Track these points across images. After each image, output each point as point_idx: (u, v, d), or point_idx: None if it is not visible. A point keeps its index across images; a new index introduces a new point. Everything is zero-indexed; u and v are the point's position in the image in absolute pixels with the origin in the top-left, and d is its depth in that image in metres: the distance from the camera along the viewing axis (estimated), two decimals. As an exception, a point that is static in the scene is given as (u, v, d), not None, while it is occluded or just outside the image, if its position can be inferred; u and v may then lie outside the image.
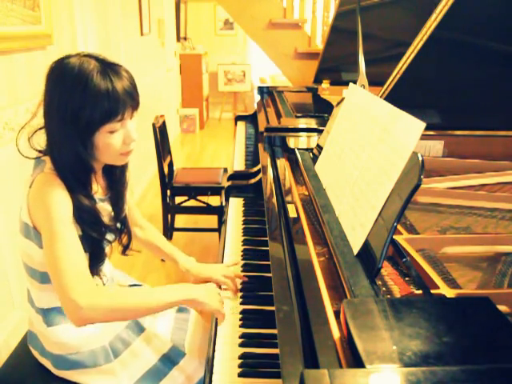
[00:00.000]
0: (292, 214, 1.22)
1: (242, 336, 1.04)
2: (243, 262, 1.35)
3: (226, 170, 3.10)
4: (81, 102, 0.96)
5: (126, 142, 1.04)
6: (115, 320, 1.08)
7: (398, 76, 1.41)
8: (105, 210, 1.14)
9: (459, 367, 0.59)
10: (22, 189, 1.08)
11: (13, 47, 1.96)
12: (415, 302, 0.74)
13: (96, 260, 1.12)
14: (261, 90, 2.98)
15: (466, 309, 0.72)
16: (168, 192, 2.90)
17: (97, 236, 1.08)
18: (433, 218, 1.21)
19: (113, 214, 1.17)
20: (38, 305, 1.15)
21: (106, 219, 1.12)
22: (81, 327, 0.95)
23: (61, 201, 0.99)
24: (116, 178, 1.18)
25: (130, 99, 1.01)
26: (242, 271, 1.31)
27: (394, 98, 1.11)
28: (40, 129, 1.07)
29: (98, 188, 1.14)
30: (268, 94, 2.93)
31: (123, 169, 1.19)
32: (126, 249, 1.24)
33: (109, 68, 0.99)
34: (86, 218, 1.05)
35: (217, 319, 1.10)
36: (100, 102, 0.96)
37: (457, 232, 1.14)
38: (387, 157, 0.93)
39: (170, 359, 1.19)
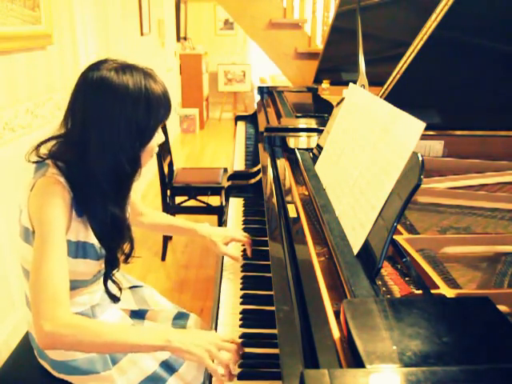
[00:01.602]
0: (292, 214, 1.22)
1: (242, 336, 1.04)
2: (243, 261, 1.35)
3: (225, 170, 3.10)
4: (146, 116, 1.00)
5: (158, 143, 1.09)
6: (85, 351, 1.04)
7: (398, 76, 1.41)
8: None
9: (459, 367, 0.59)
10: (22, 190, 1.07)
11: (13, 47, 1.96)
12: (415, 301, 0.74)
13: (110, 268, 1.14)
14: (261, 90, 2.98)
15: (466, 309, 0.72)
16: (168, 192, 2.90)
17: (115, 245, 1.10)
18: (433, 218, 1.21)
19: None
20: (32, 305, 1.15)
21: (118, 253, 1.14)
22: (47, 347, 0.93)
23: (60, 208, 0.98)
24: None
25: (170, 100, 1.07)
26: (242, 271, 1.31)
27: (393, 98, 1.11)
28: (55, 138, 1.05)
29: None
30: (268, 93, 2.93)
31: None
32: (128, 257, 1.22)
33: (149, 72, 1.04)
34: (110, 226, 1.05)
35: (217, 319, 1.10)
36: (161, 108, 1.02)
37: (457, 232, 1.14)
38: (387, 157, 0.93)
39: (170, 366, 1.18)
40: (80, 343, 0.91)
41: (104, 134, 0.98)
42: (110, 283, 1.19)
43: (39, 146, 1.06)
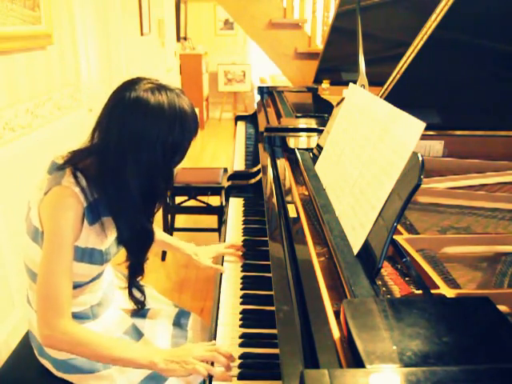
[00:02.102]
0: (292, 214, 1.22)
1: (242, 336, 1.04)
2: (243, 262, 1.35)
3: (225, 170, 3.10)
4: (180, 135, 1.03)
5: None
6: (76, 356, 1.11)
7: (398, 76, 1.41)
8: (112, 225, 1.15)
9: (459, 367, 0.59)
10: (33, 188, 1.08)
11: (13, 47, 1.96)
12: (415, 301, 0.74)
13: (134, 275, 1.20)
14: (261, 90, 2.98)
15: (466, 309, 0.72)
16: (168, 192, 2.90)
17: (142, 255, 1.14)
18: (433, 218, 1.21)
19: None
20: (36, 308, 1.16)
21: (112, 237, 1.14)
22: (47, 347, 1.05)
23: (71, 221, 1.01)
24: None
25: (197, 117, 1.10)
26: (242, 271, 1.31)
27: (393, 98, 1.11)
28: (81, 151, 1.08)
29: None
30: (268, 94, 2.93)
31: None
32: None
33: (180, 92, 1.06)
34: (142, 240, 1.11)
35: (217, 319, 1.10)
36: (192, 127, 1.06)
37: (457, 232, 1.14)
38: (387, 157, 0.93)
39: None
40: (72, 351, 1.03)
41: (140, 154, 1.01)
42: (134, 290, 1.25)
43: (67, 162, 1.07)
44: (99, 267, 1.14)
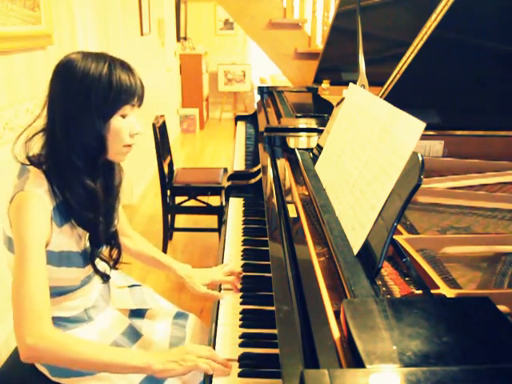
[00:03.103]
0: (292, 214, 1.22)
1: (242, 336, 1.04)
2: (243, 261, 1.35)
3: (225, 170, 3.10)
4: (106, 90, 1.01)
5: (131, 132, 1.08)
6: (64, 366, 1.04)
7: (398, 76, 1.41)
8: None
9: (459, 367, 0.59)
10: (4, 198, 1.07)
11: (13, 47, 1.96)
12: (415, 301, 0.74)
13: (95, 246, 1.12)
14: (261, 90, 2.98)
15: (466, 309, 0.72)
16: (168, 192, 2.90)
17: (93, 219, 1.08)
18: (433, 218, 1.21)
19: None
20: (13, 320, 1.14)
21: (102, 234, 1.12)
22: (27, 360, 0.97)
23: (36, 223, 0.99)
24: (110, 188, 1.17)
25: (141, 91, 1.08)
26: (242, 271, 1.31)
27: (393, 98, 1.11)
28: (41, 131, 1.07)
29: None
30: (268, 94, 2.93)
31: (118, 178, 1.19)
32: (116, 263, 1.23)
33: (122, 61, 1.06)
34: (86, 198, 1.05)
35: (217, 319, 1.10)
36: (123, 86, 1.03)
37: (457, 232, 1.14)
38: (387, 157, 0.93)
39: None
40: (59, 360, 0.96)
41: (66, 109, 1.02)
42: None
43: (28, 141, 1.07)
44: (82, 269, 1.11)
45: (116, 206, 1.20)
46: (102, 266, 1.19)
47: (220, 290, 1.26)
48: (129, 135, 1.08)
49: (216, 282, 1.27)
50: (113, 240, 1.21)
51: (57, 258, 1.05)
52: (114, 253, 1.22)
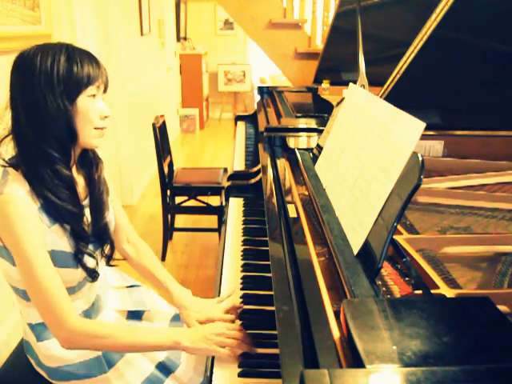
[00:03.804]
0: (292, 214, 1.22)
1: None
2: (243, 261, 1.35)
3: (225, 170, 3.10)
4: (67, 68, 1.01)
5: (101, 115, 1.07)
6: (102, 350, 1.10)
7: (398, 76, 1.41)
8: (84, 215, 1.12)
9: (459, 367, 0.59)
10: None
11: (13, 47, 1.95)
12: (415, 301, 0.74)
13: (79, 239, 1.08)
14: (261, 90, 2.98)
15: (466, 309, 0.72)
16: (168, 192, 2.90)
17: (73, 208, 1.05)
18: (433, 218, 1.21)
19: (90, 219, 1.14)
20: (27, 320, 1.15)
21: (85, 227, 1.10)
22: (70, 349, 1.04)
23: (26, 226, 0.98)
24: (93, 180, 1.16)
25: (105, 74, 1.08)
26: (242, 271, 1.31)
27: (393, 98, 1.10)
28: (9, 135, 1.06)
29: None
30: (268, 94, 2.93)
31: (98, 169, 1.17)
32: (109, 259, 1.21)
33: (81, 49, 1.07)
34: (62, 187, 1.04)
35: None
36: (84, 64, 1.02)
37: (457, 232, 1.14)
38: (387, 157, 0.93)
39: (166, 367, 1.18)
40: (95, 347, 1.05)
41: (28, 97, 1.01)
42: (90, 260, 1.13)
43: (9, 164, 1.05)
44: (76, 270, 1.09)
45: (104, 198, 1.17)
46: (91, 263, 1.13)
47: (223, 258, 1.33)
48: (99, 118, 1.07)
49: (213, 320, 1.16)
50: (104, 235, 1.17)
51: (50, 258, 1.03)
52: (107, 248, 1.19)
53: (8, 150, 1.07)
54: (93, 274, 1.13)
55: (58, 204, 1.03)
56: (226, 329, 1.03)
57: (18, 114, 1.03)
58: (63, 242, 1.06)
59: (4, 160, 1.05)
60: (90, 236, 1.12)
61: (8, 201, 0.98)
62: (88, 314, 1.18)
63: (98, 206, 1.16)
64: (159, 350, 1.09)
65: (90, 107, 1.04)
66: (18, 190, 1.00)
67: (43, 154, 1.02)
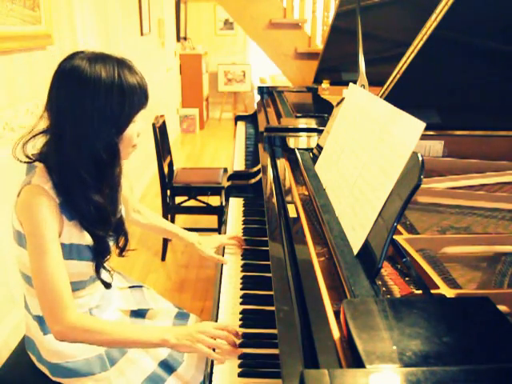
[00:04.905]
0: (292, 214, 1.22)
1: (242, 336, 1.04)
2: (243, 261, 1.35)
3: (225, 170, 3.10)
4: (120, 103, 0.99)
5: (138, 132, 1.09)
6: (94, 345, 1.10)
7: (398, 76, 1.41)
8: None
9: (459, 367, 0.59)
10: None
11: (13, 47, 1.96)
12: (415, 301, 0.74)
13: (100, 256, 1.12)
14: (261, 89, 2.98)
15: (466, 309, 0.72)
16: (168, 192, 2.90)
17: (102, 233, 1.09)
18: (433, 218, 1.21)
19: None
20: (34, 312, 1.16)
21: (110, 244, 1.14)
22: (62, 341, 1.04)
23: (47, 217, 1.00)
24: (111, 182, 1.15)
25: (147, 90, 1.06)
26: (242, 271, 1.31)
27: (393, 98, 1.10)
28: (41, 133, 1.06)
29: None
30: (268, 94, 2.93)
31: (118, 171, 1.18)
32: (122, 250, 1.23)
33: (124, 61, 1.03)
34: (95, 215, 1.05)
35: (217, 319, 1.10)
36: (135, 96, 1.01)
37: (457, 232, 1.14)
38: (387, 157, 0.93)
39: (168, 366, 1.18)
40: (88, 341, 1.04)
41: (77, 123, 0.99)
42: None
43: (25, 143, 1.06)
44: (91, 264, 1.12)
45: (118, 196, 1.18)
46: (107, 277, 1.21)
47: (223, 254, 1.42)
48: (136, 136, 1.08)
49: (223, 245, 1.45)
50: (120, 227, 1.20)
51: (67, 251, 1.06)
52: (122, 241, 1.22)
53: (36, 144, 1.07)
54: (107, 285, 1.20)
55: (88, 228, 1.07)
56: (214, 328, 1.03)
57: (63, 129, 1.01)
58: (82, 235, 1.08)
59: (28, 157, 1.07)
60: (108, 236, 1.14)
61: (33, 190, 1.01)
62: (93, 312, 1.19)
63: (114, 204, 1.16)
64: (150, 347, 1.11)
65: (133, 132, 1.06)
66: (45, 183, 1.02)
67: (79, 179, 1.02)
